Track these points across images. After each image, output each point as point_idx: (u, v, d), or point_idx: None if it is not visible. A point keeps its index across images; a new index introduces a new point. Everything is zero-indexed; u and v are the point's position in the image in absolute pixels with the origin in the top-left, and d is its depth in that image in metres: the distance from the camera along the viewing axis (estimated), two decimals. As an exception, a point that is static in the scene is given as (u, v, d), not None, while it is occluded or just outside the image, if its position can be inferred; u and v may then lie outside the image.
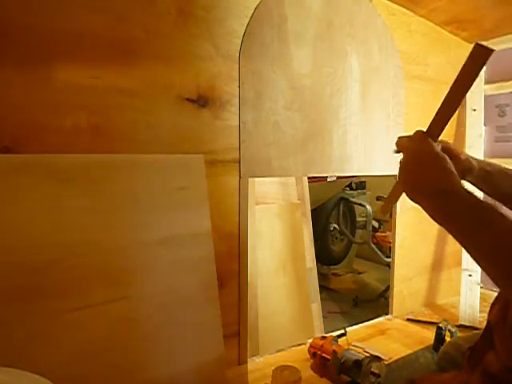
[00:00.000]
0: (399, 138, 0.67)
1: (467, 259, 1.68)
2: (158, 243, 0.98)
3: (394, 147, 0.69)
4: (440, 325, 1.33)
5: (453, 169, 0.59)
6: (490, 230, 0.52)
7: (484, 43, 0.54)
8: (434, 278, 1.82)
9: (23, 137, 0.86)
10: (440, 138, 0.65)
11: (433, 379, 0.80)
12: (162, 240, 0.99)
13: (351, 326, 1.55)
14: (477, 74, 0.56)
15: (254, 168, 1.19)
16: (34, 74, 0.86)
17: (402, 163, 0.64)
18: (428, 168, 0.60)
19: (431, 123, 0.63)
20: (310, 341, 1.29)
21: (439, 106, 0.62)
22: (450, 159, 0.61)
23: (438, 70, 1.69)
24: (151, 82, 1.00)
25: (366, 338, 1.43)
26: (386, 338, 1.45)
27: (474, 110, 1.76)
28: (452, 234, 0.57)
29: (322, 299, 1.94)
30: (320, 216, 3.29)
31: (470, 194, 0.56)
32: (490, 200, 0.69)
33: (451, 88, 0.60)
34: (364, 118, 1.46)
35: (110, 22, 0.94)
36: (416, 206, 0.62)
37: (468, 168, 0.78)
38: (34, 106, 0.87)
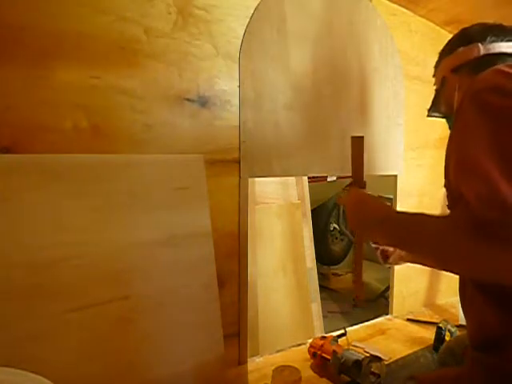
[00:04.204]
0: (339, 198, 0.85)
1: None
2: (158, 243, 0.98)
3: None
4: (440, 325, 1.33)
5: (381, 201, 0.75)
6: (422, 234, 0.63)
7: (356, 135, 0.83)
8: (434, 279, 1.82)
9: (23, 137, 0.86)
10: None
11: (432, 374, 0.81)
12: (162, 240, 0.99)
13: (351, 326, 1.55)
14: (362, 154, 0.82)
15: (254, 168, 1.19)
16: (34, 73, 0.86)
17: (346, 211, 0.80)
18: (363, 207, 0.76)
19: (352, 176, 0.84)
20: (310, 341, 1.29)
21: (352, 168, 0.84)
22: None
23: (437, 69, 1.69)
24: (151, 81, 1.00)
25: (366, 338, 1.43)
26: (386, 338, 1.45)
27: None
28: (406, 250, 0.71)
29: (322, 299, 1.94)
30: (320, 216, 3.29)
31: (401, 213, 0.70)
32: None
33: (351, 163, 0.84)
34: (364, 118, 1.46)
35: (109, 21, 0.94)
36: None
37: None
38: (34, 106, 0.87)
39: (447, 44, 0.87)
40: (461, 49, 0.80)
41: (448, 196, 0.72)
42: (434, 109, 0.92)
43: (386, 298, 2.04)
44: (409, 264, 1.07)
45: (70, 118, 0.91)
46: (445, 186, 0.70)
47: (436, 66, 0.90)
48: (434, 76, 0.90)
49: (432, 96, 0.92)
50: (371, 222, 0.74)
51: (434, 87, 0.91)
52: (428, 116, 0.94)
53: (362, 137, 0.82)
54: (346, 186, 0.85)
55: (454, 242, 0.57)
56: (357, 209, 0.78)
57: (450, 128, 0.85)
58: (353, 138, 0.83)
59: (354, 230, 0.82)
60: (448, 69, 0.83)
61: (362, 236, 0.84)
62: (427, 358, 1.29)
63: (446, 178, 0.69)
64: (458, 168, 0.61)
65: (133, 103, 0.98)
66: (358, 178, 0.82)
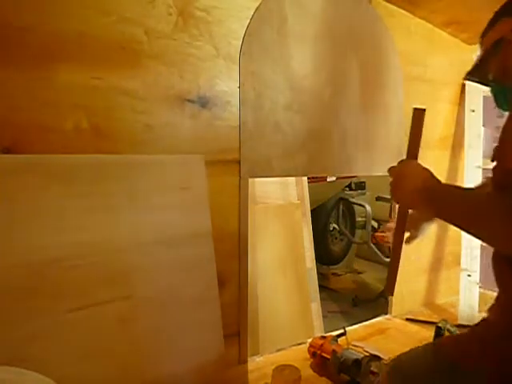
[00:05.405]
0: (390, 167, 0.80)
1: (466, 259, 1.69)
2: (158, 243, 0.98)
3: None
4: (439, 324, 1.33)
5: (430, 172, 0.73)
6: (465, 205, 0.64)
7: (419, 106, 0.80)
8: (434, 278, 1.83)
9: (24, 138, 0.87)
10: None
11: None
12: (162, 240, 0.99)
13: (351, 325, 1.55)
14: (421, 128, 0.80)
15: (254, 168, 1.19)
16: (35, 74, 0.87)
17: (392, 181, 0.78)
18: (410, 175, 0.75)
19: (407, 150, 0.81)
20: (310, 340, 1.29)
21: (408, 140, 0.82)
22: None
23: (437, 70, 1.70)
24: (152, 82, 1.01)
25: (365, 338, 1.43)
26: (385, 338, 1.45)
27: (473, 110, 1.76)
28: (446, 220, 0.68)
29: (321, 299, 1.94)
30: (320, 216, 3.29)
31: (447, 184, 0.70)
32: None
33: (409, 134, 0.82)
34: (364, 119, 1.46)
35: (110, 23, 0.94)
36: None
37: None
38: (35, 107, 0.87)
39: (509, 3, 0.77)
40: None
41: (496, 178, 0.69)
42: (477, 73, 0.84)
43: (386, 298, 2.04)
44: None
45: (71, 119, 0.91)
46: (494, 168, 0.68)
47: (490, 26, 0.80)
48: (482, 36, 0.82)
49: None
50: (415, 189, 0.73)
51: (479, 50, 0.82)
52: (466, 79, 0.87)
53: (424, 109, 0.79)
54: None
55: (493, 220, 0.58)
56: (403, 177, 0.76)
57: (494, 99, 0.80)
58: (415, 109, 0.80)
59: (397, 200, 0.79)
60: (510, 30, 0.73)
61: (405, 208, 0.80)
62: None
63: (497, 159, 0.66)
64: None
65: (134, 104, 0.99)
66: (412, 150, 0.80)
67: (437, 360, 0.73)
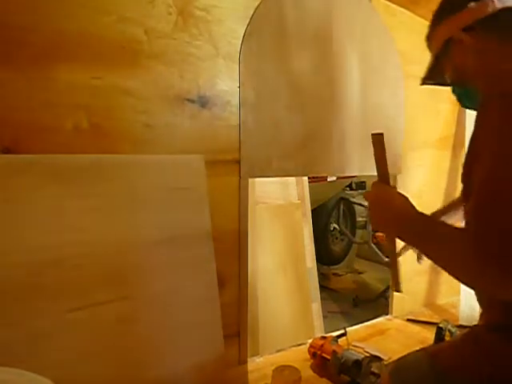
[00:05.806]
0: (365, 192, 0.81)
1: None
2: (158, 243, 0.98)
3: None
4: (440, 325, 1.33)
5: (404, 198, 0.72)
6: (434, 238, 0.63)
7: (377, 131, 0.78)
8: (434, 279, 1.82)
9: (24, 137, 0.86)
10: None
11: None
12: (162, 240, 0.99)
13: (351, 326, 1.55)
14: (384, 150, 0.80)
15: (254, 168, 1.19)
16: (36, 74, 0.87)
17: (369, 206, 0.78)
18: (384, 204, 0.74)
19: (378, 175, 0.80)
20: (310, 341, 1.29)
21: (376, 165, 0.81)
22: None
23: (437, 70, 1.69)
24: (151, 82, 1.01)
25: (366, 338, 1.43)
26: (385, 338, 1.45)
27: (474, 110, 1.76)
28: (418, 249, 0.67)
29: (322, 299, 1.94)
30: (320, 216, 3.29)
31: (420, 215, 0.68)
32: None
33: (375, 160, 0.81)
34: (364, 118, 1.46)
35: (111, 22, 0.94)
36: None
37: None
38: (35, 107, 0.87)
39: (448, 0, 0.73)
40: (472, 4, 0.66)
41: (464, 192, 0.67)
42: (433, 76, 0.79)
43: (386, 298, 2.04)
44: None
45: (71, 119, 0.91)
46: (462, 181, 0.66)
47: (434, 27, 0.75)
48: (428, 39, 0.78)
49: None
50: (390, 219, 0.72)
51: (431, 53, 0.78)
52: (422, 84, 0.83)
53: (382, 133, 0.79)
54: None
55: (462, 258, 0.56)
56: (378, 206, 0.75)
57: (459, 100, 0.77)
58: (373, 135, 0.80)
59: (375, 228, 0.82)
60: (458, 28, 0.69)
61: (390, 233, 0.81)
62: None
63: (466, 174, 0.63)
64: (489, 189, 0.54)
65: (134, 104, 0.98)
66: (381, 173, 0.80)
67: (431, 369, 0.71)
